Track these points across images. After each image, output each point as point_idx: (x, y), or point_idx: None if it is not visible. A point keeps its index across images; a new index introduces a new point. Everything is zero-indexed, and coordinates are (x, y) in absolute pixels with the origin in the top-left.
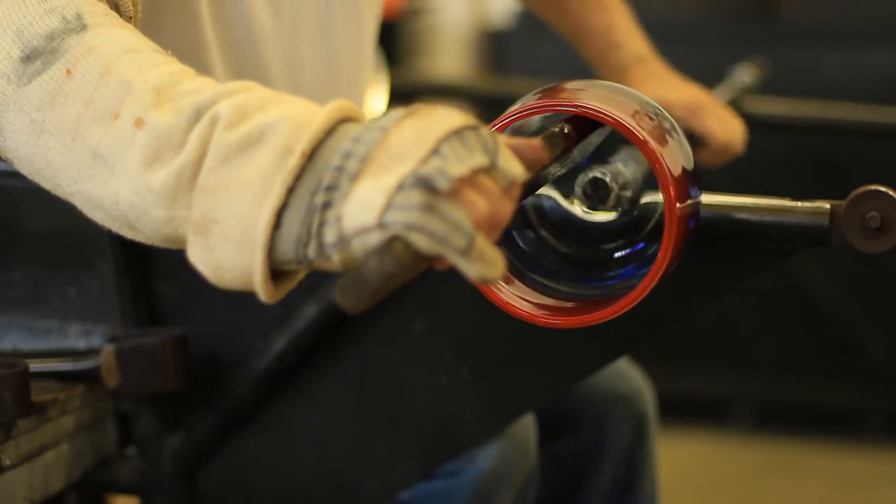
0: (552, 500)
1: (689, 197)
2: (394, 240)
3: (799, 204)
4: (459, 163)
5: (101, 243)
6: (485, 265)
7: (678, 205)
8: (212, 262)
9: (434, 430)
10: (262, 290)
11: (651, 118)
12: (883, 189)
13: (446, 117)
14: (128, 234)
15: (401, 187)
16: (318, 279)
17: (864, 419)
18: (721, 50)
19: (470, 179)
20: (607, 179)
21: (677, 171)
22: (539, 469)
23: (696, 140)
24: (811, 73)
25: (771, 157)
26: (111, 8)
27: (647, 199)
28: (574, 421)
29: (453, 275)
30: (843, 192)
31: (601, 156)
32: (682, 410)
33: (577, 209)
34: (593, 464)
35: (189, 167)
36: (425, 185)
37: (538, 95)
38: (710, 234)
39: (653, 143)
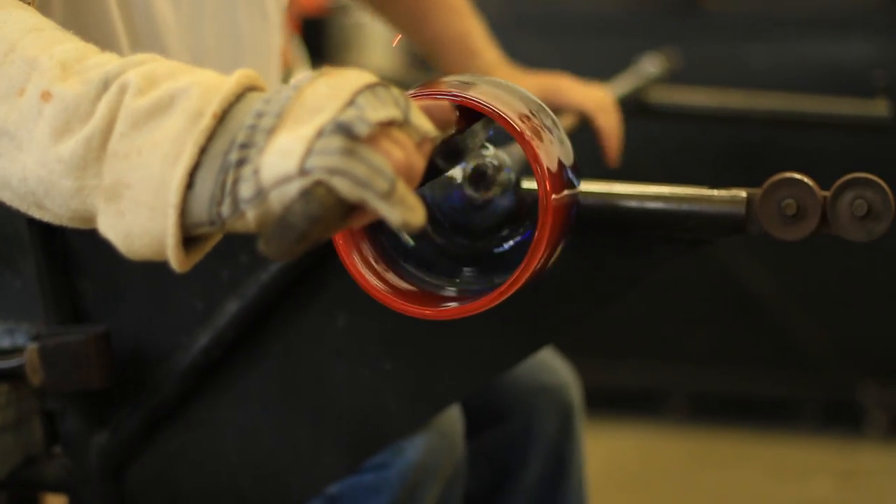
0: (481, 493)
1: (566, 189)
2: (316, 185)
3: (715, 192)
4: (375, 112)
5: (23, 242)
6: (406, 210)
7: (553, 196)
8: (123, 228)
9: (359, 423)
10: (174, 256)
11: (532, 113)
12: (798, 176)
13: (358, 74)
14: (36, 213)
15: (320, 134)
16: (241, 275)
17: (797, 408)
18: (646, 43)
19: (385, 131)
20: (493, 168)
21: (553, 165)
22: (468, 461)
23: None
24: (736, 64)
25: (696, 147)
26: None
27: (526, 188)
28: (501, 413)
29: None
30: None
31: (483, 146)
32: (614, 401)
33: (460, 198)
34: (521, 456)
35: (98, 134)
36: (345, 131)
37: (420, 87)
38: (626, 223)
39: (528, 135)
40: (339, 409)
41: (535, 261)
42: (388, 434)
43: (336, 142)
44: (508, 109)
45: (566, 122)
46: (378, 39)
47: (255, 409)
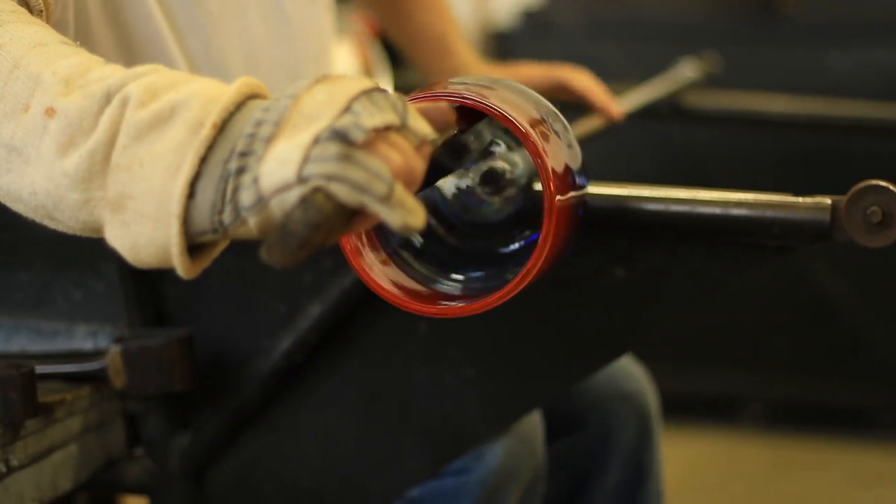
0: (559, 499)
1: (572, 190)
2: (315, 191)
3: (800, 200)
4: (371, 118)
5: (106, 245)
6: (406, 213)
7: (558, 198)
8: (128, 239)
9: (441, 428)
10: (179, 264)
11: (541, 116)
12: (883, 183)
13: (356, 80)
14: (50, 224)
15: (317, 141)
16: (323, 279)
17: (875, 416)
18: (726, 50)
19: (382, 135)
20: (502, 169)
21: (559, 167)
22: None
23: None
24: (816, 71)
25: (774, 154)
26: (20, 4)
27: (535, 190)
28: (579, 420)
29: None
30: (847, 189)
31: (492, 148)
32: (691, 408)
33: (471, 199)
34: (599, 463)
35: (101, 147)
36: (341, 137)
37: (427, 88)
38: (711, 229)
39: (534, 136)
40: (421, 414)
41: (540, 261)
42: (469, 439)
43: (333, 148)
44: (516, 112)
45: (590, 125)
46: None
47: (336, 413)
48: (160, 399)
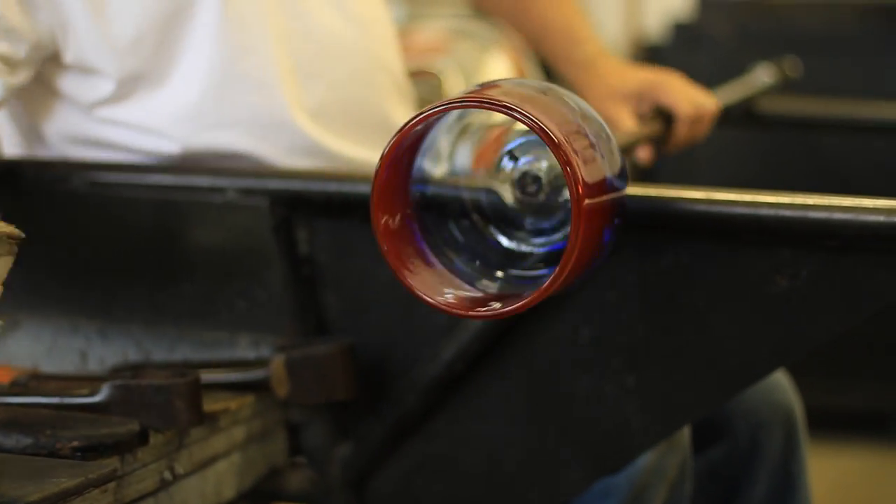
0: None
1: (604, 194)
2: None
3: None
4: None
5: (269, 255)
6: None
7: (586, 202)
8: None
9: (601, 438)
10: None
11: (581, 125)
12: None
13: None
14: None
15: None
16: None
17: None
18: (875, 61)
19: None
20: (541, 173)
21: (590, 171)
22: (694, 476)
23: (667, 117)
24: None
25: None
26: None
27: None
28: (727, 429)
29: (619, 283)
30: None
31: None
32: (841, 423)
33: (512, 201)
34: (748, 472)
35: None
36: None
37: (472, 91)
38: (875, 238)
39: (561, 139)
40: (582, 423)
41: (569, 264)
42: (629, 449)
43: None
44: (548, 119)
45: (652, 127)
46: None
47: (497, 423)
48: (322, 408)
